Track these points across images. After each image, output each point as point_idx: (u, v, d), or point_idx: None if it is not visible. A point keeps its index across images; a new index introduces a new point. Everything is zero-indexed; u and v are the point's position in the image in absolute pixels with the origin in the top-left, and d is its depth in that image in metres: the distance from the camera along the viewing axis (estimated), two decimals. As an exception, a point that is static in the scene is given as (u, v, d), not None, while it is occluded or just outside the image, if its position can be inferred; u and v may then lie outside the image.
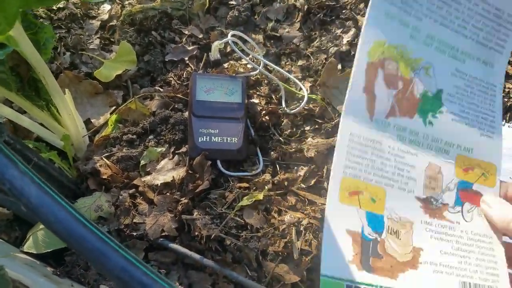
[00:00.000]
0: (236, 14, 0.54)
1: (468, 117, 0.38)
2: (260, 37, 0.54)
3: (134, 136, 0.45)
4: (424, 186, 0.35)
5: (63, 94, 0.41)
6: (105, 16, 0.57)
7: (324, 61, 0.51)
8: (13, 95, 0.37)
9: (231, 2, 0.56)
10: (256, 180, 0.39)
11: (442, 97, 0.37)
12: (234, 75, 0.49)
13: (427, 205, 0.35)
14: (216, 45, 0.49)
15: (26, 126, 0.43)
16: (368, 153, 0.35)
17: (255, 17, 0.55)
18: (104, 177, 0.40)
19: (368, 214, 0.34)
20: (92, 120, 0.48)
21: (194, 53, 0.52)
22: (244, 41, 0.49)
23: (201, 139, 0.41)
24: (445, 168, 0.36)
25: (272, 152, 0.42)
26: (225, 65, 0.51)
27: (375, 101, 0.35)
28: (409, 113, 0.36)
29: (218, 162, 0.41)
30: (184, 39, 0.53)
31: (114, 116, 0.47)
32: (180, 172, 0.40)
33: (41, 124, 0.43)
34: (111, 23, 0.56)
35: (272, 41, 0.53)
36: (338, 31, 0.53)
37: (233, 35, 0.48)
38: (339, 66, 0.49)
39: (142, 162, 0.42)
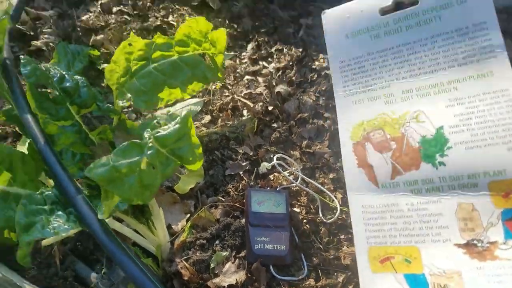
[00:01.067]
0: (278, 135, 0.69)
1: (484, 138, 0.32)
2: (297, 153, 0.68)
3: (205, 241, 0.58)
4: (460, 230, 0.32)
5: (159, 212, 0.56)
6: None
7: (350, 174, 0.64)
8: (128, 218, 0.52)
9: (273, 125, 0.72)
10: (302, 285, 0.51)
11: (445, 132, 0.33)
12: (278, 188, 0.62)
13: (471, 249, 0.31)
14: (264, 165, 0.63)
15: (126, 234, 0.57)
16: (387, 217, 0.34)
17: (292, 136, 0.70)
18: (184, 278, 0.54)
19: (407, 277, 0.32)
20: (172, 226, 0.62)
21: (247, 168, 0.67)
22: (285, 158, 0.63)
23: (256, 246, 0.54)
24: (480, 203, 0.31)
25: (314, 258, 0.54)
26: (271, 176, 0.65)
27: (374, 171, 0.35)
28: (414, 165, 0.34)
29: (271, 267, 0.53)
30: (239, 157, 0.68)
31: (189, 223, 0.61)
32: (241, 275, 0.53)
33: (138, 232, 0.58)
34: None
35: (307, 156, 0.67)
36: (361, 147, 0.67)
37: (277, 158, 0.62)
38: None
39: (212, 265, 0.55)
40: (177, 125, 0.41)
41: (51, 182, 0.48)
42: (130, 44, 0.47)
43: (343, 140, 0.38)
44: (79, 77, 0.47)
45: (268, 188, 0.62)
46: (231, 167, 0.67)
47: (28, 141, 0.47)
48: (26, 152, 0.48)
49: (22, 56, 0.41)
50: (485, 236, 0.31)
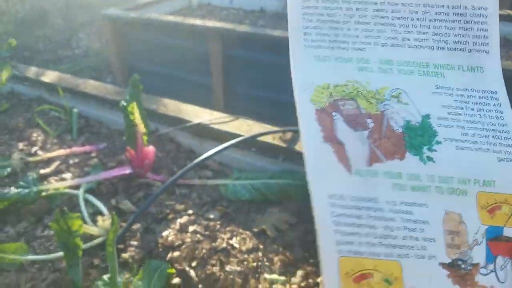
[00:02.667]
0: None
1: (475, 140, 0.28)
2: None
3: None
4: (446, 246, 0.26)
5: None
6: None
7: None
8: None
9: None
10: None
11: (432, 123, 0.28)
12: None
13: (455, 271, 0.26)
14: None
15: None
16: (364, 216, 0.26)
17: None
18: None
19: None
20: None
21: None
22: None
23: None
24: (468, 215, 0.27)
25: None
26: None
27: (345, 149, 0.27)
28: (398, 153, 0.28)
29: None
30: None
31: None
32: None
33: None
34: None
35: None
36: None
37: None
38: None
39: None
40: None
41: None
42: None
43: (301, 102, 0.28)
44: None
45: None
46: None
47: None
48: None
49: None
50: (469, 256, 0.26)
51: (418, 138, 0.27)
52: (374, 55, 0.30)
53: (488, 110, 0.28)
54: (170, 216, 1.14)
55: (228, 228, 1.10)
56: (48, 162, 1.34)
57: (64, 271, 0.94)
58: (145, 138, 1.14)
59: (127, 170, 1.19)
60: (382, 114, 0.28)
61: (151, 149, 1.19)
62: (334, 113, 0.28)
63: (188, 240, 1.05)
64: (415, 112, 0.28)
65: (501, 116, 0.28)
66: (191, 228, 1.09)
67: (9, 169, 1.25)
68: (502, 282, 0.25)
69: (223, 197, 1.21)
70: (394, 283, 0.25)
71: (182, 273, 0.97)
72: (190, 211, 1.15)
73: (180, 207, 1.17)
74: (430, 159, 0.27)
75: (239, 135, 1.21)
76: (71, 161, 1.34)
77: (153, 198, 1.01)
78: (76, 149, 1.39)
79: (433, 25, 0.30)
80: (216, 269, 0.99)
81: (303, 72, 0.29)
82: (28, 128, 1.55)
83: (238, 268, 0.99)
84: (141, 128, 1.12)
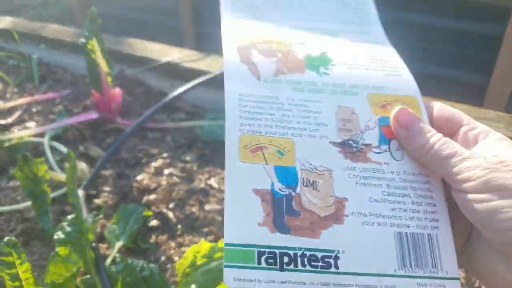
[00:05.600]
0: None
1: (365, 64, 0.35)
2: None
3: None
4: (338, 129, 0.31)
5: None
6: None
7: None
8: None
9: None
10: None
11: (328, 55, 0.36)
12: None
13: (346, 149, 0.30)
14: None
15: None
16: (265, 108, 0.31)
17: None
18: None
19: (277, 168, 0.29)
20: None
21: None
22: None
23: None
24: (359, 108, 0.32)
25: None
26: None
27: (257, 67, 0.34)
28: (299, 69, 0.34)
29: None
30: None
31: None
32: None
33: None
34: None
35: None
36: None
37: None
38: None
39: None
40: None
41: None
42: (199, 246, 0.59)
43: (226, 43, 0.36)
44: (153, 266, 0.57)
45: None
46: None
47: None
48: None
49: (117, 255, 0.53)
50: (360, 137, 0.31)
51: (316, 62, 0.35)
52: (283, 22, 0.40)
53: (374, 47, 0.37)
54: (144, 160, 1.09)
55: (205, 169, 1.06)
56: (9, 112, 1.25)
57: (34, 221, 0.89)
58: (109, 79, 1.06)
59: (94, 115, 1.12)
60: (289, 51, 0.36)
61: (117, 91, 1.11)
62: (251, 49, 0.35)
63: (164, 182, 1.01)
64: (315, 49, 0.36)
65: (387, 50, 0.37)
66: (166, 171, 1.05)
67: (-35, 121, 1.16)
68: (398, 160, 0.30)
69: (199, 138, 1.16)
70: (286, 155, 0.30)
71: (159, 215, 0.94)
72: (165, 154, 1.10)
73: (154, 151, 1.12)
74: (325, 73, 0.34)
75: (211, 73, 1.14)
76: (34, 110, 1.25)
77: (122, 137, 0.95)
78: (38, 97, 1.29)
79: (328, 12, 0.40)
80: (195, 208, 0.96)
81: (227, 29, 0.38)
82: (-16, 78, 1.43)
83: (218, 207, 0.97)
84: (104, 67, 1.03)
